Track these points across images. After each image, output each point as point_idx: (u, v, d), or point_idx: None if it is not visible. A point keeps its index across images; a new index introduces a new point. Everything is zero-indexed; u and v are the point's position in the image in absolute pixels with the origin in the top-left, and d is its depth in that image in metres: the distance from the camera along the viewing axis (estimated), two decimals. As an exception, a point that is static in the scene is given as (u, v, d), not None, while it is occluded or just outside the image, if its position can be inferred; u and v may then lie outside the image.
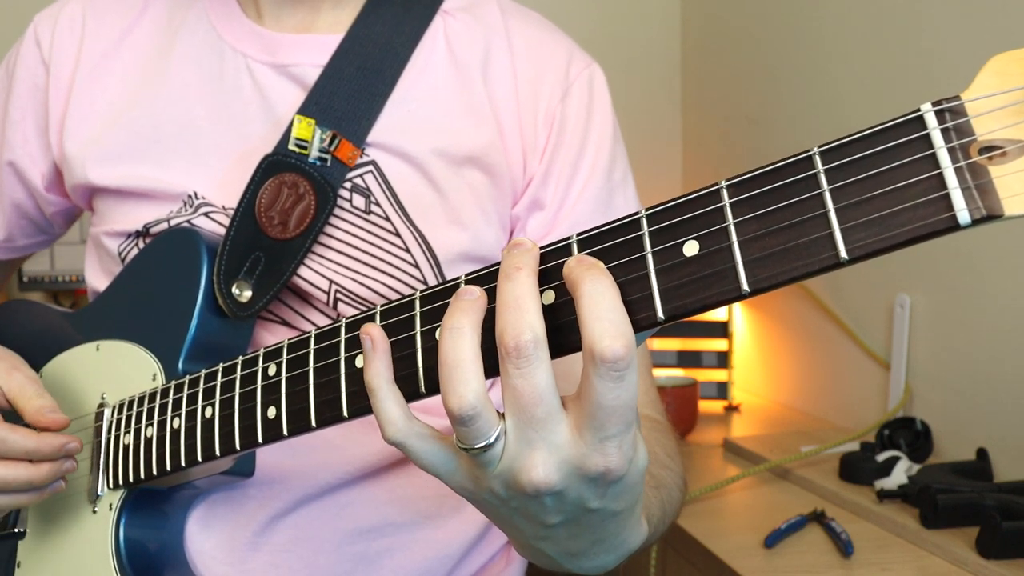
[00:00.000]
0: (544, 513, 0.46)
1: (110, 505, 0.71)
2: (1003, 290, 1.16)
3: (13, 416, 0.70)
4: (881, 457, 1.15)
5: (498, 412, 0.44)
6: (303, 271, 0.75)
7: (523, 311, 0.42)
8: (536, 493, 0.44)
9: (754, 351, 1.80)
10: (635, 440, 0.44)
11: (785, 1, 1.65)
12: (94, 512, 0.72)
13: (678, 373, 1.66)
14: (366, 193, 0.76)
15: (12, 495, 0.68)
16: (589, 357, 0.40)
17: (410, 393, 0.49)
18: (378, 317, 0.52)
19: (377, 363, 0.47)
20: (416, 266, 0.76)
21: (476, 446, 0.43)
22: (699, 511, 1.12)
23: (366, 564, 0.76)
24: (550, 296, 0.45)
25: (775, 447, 1.32)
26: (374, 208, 0.76)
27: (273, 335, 0.78)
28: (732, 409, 1.67)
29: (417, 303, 0.50)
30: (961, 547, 0.93)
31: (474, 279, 0.48)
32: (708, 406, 1.66)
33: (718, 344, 1.70)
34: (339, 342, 0.54)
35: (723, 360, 1.69)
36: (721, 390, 1.68)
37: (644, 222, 0.43)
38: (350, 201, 0.75)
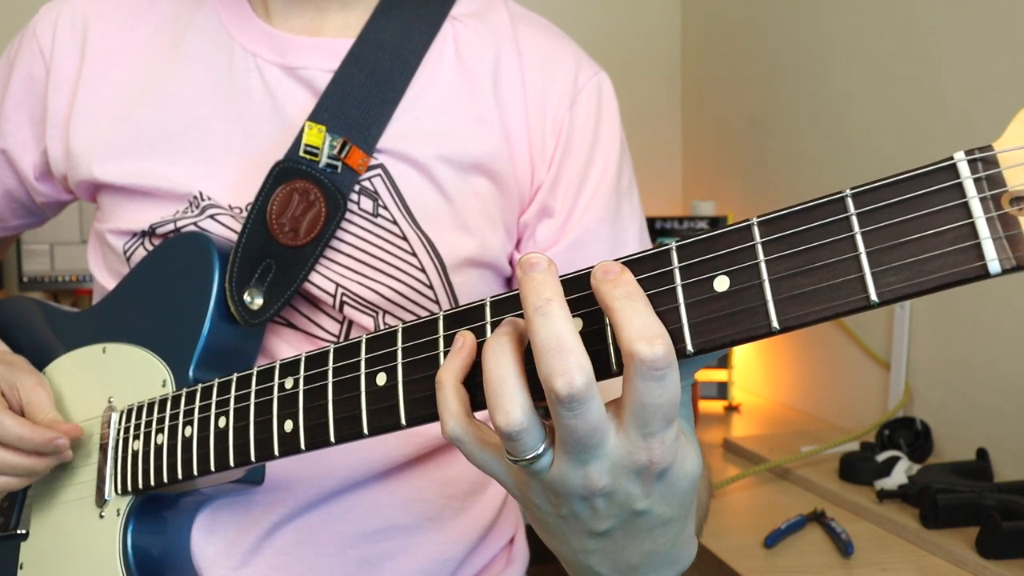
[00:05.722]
0: (595, 518, 0.46)
1: (118, 510, 0.71)
2: (1003, 291, 1.16)
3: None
4: (881, 457, 1.16)
5: (546, 423, 0.44)
6: (312, 276, 0.75)
7: (567, 351, 0.40)
8: (589, 495, 0.44)
9: (754, 351, 1.80)
10: (678, 436, 0.44)
11: (785, 1, 1.64)
12: (101, 517, 0.72)
13: (678, 372, 1.66)
14: (374, 196, 0.75)
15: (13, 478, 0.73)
16: (630, 360, 0.40)
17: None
18: (400, 336, 0.52)
19: (456, 362, 0.47)
20: (422, 270, 0.76)
21: (524, 458, 0.44)
22: (700, 511, 1.13)
23: (368, 567, 0.77)
24: (578, 323, 0.45)
25: (775, 447, 1.33)
26: (381, 212, 0.75)
27: (280, 338, 0.77)
28: (732, 409, 1.67)
29: (440, 325, 0.50)
30: (961, 547, 0.94)
31: (499, 302, 0.48)
32: (708, 406, 1.66)
33: (717, 343, 1.70)
34: (359, 360, 0.54)
35: (723, 360, 1.69)
36: (721, 390, 1.69)
37: (674, 256, 0.43)
38: (358, 204, 0.75)
